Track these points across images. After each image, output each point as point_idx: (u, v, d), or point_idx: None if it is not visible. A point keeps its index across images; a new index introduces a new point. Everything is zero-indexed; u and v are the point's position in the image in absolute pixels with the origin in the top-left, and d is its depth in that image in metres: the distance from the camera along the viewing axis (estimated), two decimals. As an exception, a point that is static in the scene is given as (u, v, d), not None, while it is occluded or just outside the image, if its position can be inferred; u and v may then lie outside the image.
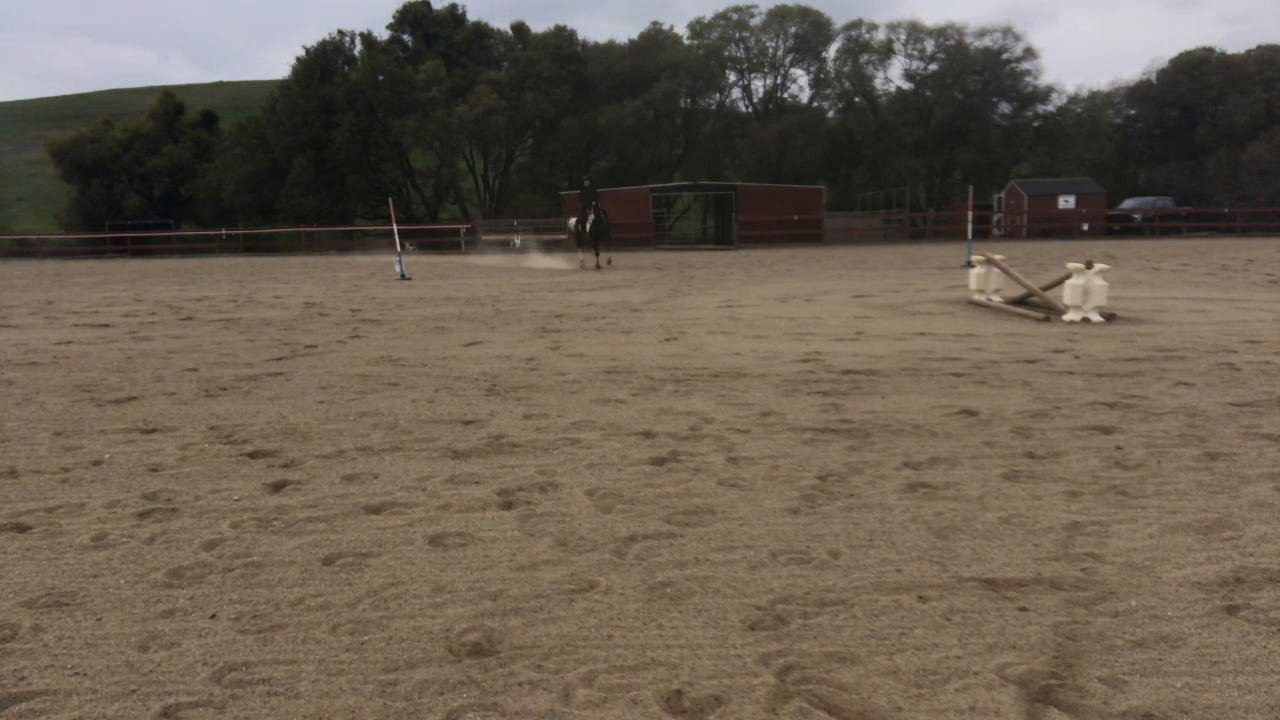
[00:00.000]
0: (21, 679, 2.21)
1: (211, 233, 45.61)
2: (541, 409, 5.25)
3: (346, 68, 51.20)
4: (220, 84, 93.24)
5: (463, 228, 41.81)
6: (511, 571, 2.85)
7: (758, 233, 40.63)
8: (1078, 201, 41.71)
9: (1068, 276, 9.30)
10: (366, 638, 2.42)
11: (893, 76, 61.76)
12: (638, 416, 5.00)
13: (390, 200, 24.58)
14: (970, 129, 49.82)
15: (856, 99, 53.67)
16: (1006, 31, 49.83)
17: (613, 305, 11.87)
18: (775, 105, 55.40)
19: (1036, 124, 50.79)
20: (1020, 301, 10.35)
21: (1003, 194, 45.04)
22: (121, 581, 2.81)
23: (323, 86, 48.95)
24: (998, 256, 11.11)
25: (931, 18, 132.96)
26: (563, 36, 51.68)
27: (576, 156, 51.50)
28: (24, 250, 45.81)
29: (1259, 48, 50.43)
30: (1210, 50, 50.96)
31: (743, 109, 56.63)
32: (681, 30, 56.47)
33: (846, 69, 53.48)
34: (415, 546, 3.08)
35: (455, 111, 45.73)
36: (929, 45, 51.65)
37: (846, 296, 12.65)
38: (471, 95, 46.39)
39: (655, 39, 53.55)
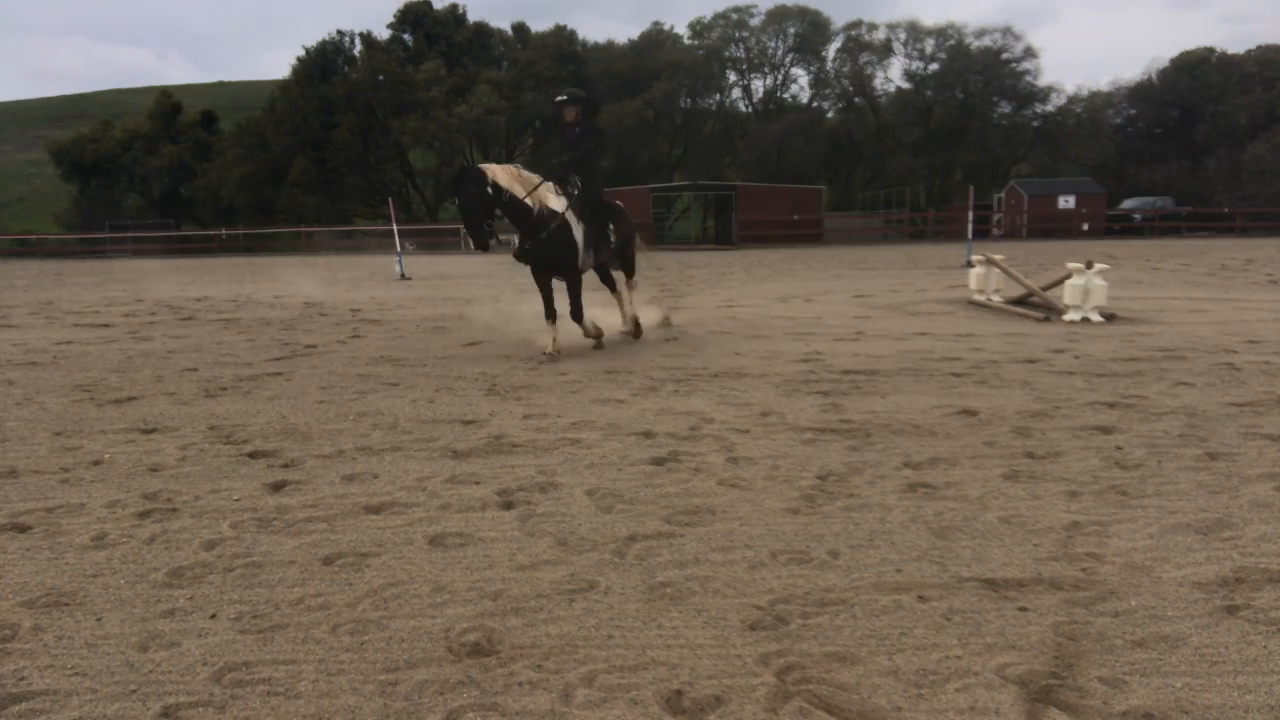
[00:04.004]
0: (21, 679, 2.21)
1: (211, 233, 45.56)
2: (541, 409, 5.25)
3: (346, 68, 51.18)
4: (220, 84, 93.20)
5: (463, 228, 41.74)
6: (511, 571, 2.85)
7: (758, 233, 40.60)
8: (1078, 201, 41.68)
9: (1068, 276, 9.30)
10: (366, 638, 2.42)
11: (893, 76, 61.66)
12: (638, 416, 5.00)
13: (390, 200, 24.58)
14: (970, 129, 49.77)
15: (856, 99, 53.61)
16: (1006, 31, 49.76)
17: (612, 304, 11.85)
18: (775, 105, 55.35)
19: (1036, 124, 50.76)
20: (1020, 301, 10.34)
21: (1003, 194, 45.00)
22: (121, 581, 2.81)
23: (323, 86, 48.92)
24: (998, 256, 11.11)
25: (932, 18, 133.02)
26: (563, 36, 51.65)
27: (576, 156, 51.38)
28: (24, 250, 45.78)
29: (1259, 48, 50.33)
30: (1210, 50, 50.94)
31: (743, 109, 56.56)
32: (682, 30, 56.42)
33: (846, 69, 53.44)
34: (415, 546, 3.07)
35: (455, 111, 45.72)
36: (929, 45, 51.60)
37: (846, 296, 12.65)
38: (472, 95, 46.38)
39: (655, 39, 53.53)
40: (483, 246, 6.89)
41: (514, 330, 9.05)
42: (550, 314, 7.43)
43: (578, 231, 7.31)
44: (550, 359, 7.10)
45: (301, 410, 5.34)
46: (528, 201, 7.03)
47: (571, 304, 7.44)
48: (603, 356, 7.23)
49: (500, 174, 6.97)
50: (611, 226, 7.85)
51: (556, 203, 7.28)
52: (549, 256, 7.24)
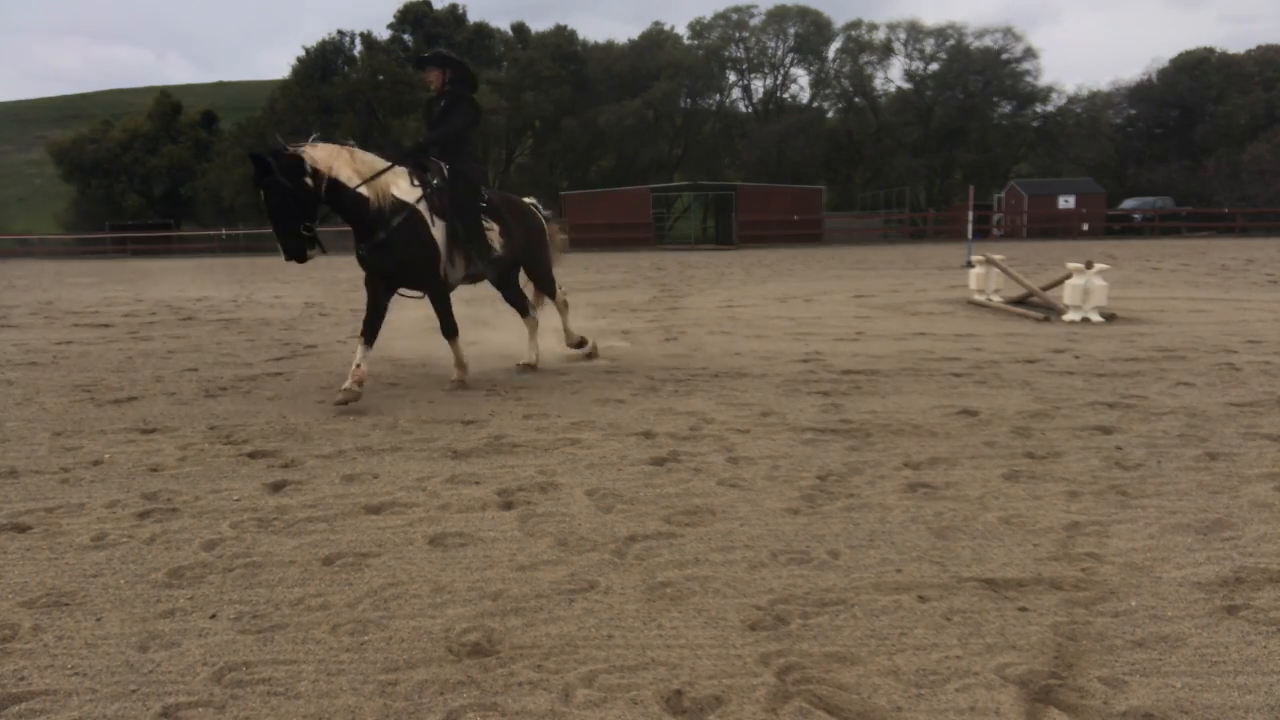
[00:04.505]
0: (21, 679, 2.21)
1: (211, 233, 45.58)
2: (541, 409, 5.25)
3: (346, 68, 51.23)
4: (220, 84, 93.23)
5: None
6: (511, 571, 2.85)
7: (758, 233, 40.60)
8: (1078, 201, 41.69)
9: (1068, 276, 9.30)
10: (366, 638, 2.41)
11: (893, 76, 61.65)
12: (638, 416, 5.00)
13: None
14: (970, 129, 49.79)
15: (856, 99, 53.61)
16: (1006, 31, 49.83)
17: (613, 305, 11.86)
18: (775, 105, 55.36)
19: (1036, 124, 50.79)
20: (1020, 301, 10.35)
21: (1003, 194, 45.01)
22: (121, 581, 2.81)
23: (323, 87, 48.97)
24: (998, 256, 11.11)
25: (932, 18, 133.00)
26: (563, 36, 51.68)
27: (577, 156, 51.48)
28: (24, 250, 45.76)
29: (1259, 48, 50.39)
30: (1210, 50, 50.97)
31: (743, 109, 56.56)
32: (682, 30, 56.44)
33: (846, 69, 53.46)
34: (415, 546, 3.07)
35: (455, 111, 45.72)
36: (929, 45, 51.63)
37: (846, 296, 12.65)
38: (471, 95, 46.43)
39: (655, 39, 53.53)
40: (297, 257, 5.17)
41: (513, 329, 8.72)
42: (368, 333, 5.62)
43: (438, 230, 5.73)
44: (344, 403, 5.29)
45: (301, 410, 5.34)
46: (364, 192, 5.35)
47: (441, 320, 5.93)
48: (603, 356, 7.22)
49: (323, 157, 5.23)
50: (497, 228, 6.12)
51: (408, 193, 5.62)
52: (393, 263, 5.57)
